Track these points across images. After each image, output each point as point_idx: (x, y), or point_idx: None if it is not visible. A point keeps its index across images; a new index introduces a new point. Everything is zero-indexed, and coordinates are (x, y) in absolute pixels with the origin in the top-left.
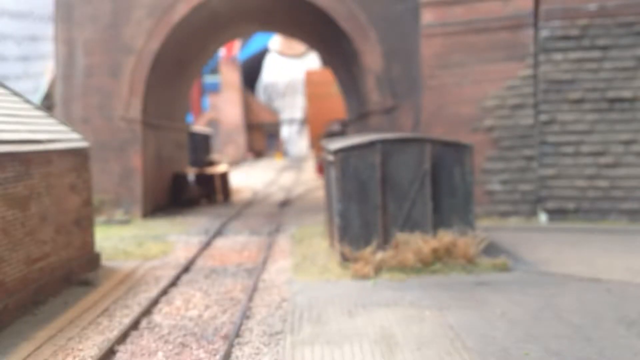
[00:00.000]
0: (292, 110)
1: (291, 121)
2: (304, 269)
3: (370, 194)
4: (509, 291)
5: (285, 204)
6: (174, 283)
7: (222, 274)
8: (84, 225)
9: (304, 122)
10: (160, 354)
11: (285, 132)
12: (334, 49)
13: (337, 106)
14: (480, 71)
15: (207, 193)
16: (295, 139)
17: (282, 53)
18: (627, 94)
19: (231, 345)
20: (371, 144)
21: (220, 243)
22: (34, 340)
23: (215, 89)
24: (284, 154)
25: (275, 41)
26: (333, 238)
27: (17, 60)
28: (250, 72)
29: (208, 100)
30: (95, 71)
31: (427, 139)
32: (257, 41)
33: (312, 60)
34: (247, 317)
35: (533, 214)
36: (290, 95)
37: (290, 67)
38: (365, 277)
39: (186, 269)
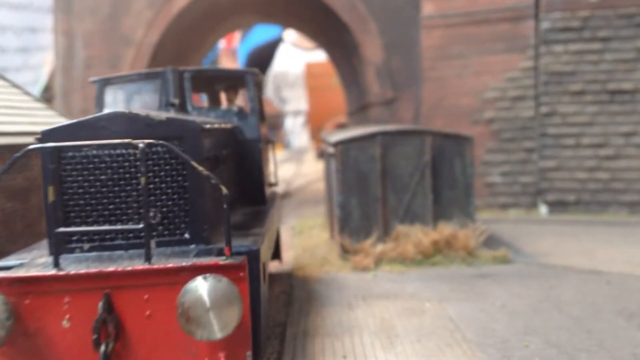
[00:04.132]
0: (298, 101)
1: (297, 113)
2: (304, 261)
3: (370, 186)
4: (509, 283)
5: (285, 196)
6: None
7: None
8: None
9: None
10: None
11: (289, 123)
12: (335, 40)
13: (337, 98)
14: (480, 63)
15: None
16: (299, 131)
17: (296, 45)
18: (627, 85)
19: None
20: (371, 136)
21: None
22: None
23: None
24: (286, 145)
25: (290, 32)
26: (333, 230)
27: (16, 51)
28: (259, 61)
29: None
30: (95, 63)
31: (427, 131)
32: (262, 32)
33: (324, 54)
34: None
35: (533, 206)
36: (298, 87)
37: (302, 59)
38: (365, 269)
39: None
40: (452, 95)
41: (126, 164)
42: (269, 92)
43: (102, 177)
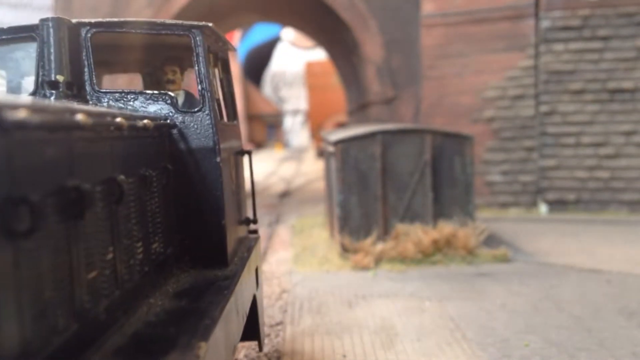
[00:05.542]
0: (297, 100)
1: (296, 112)
2: (304, 260)
3: (370, 185)
4: (509, 282)
5: (285, 194)
6: None
7: None
8: None
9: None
10: None
11: (289, 122)
12: (335, 39)
13: (337, 97)
14: (480, 61)
15: None
16: (298, 130)
17: (294, 44)
18: (627, 84)
19: None
20: (372, 135)
21: None
22: None
23: None
24: (286, 145)
25: (288, 31)
26: (333, 229)
27: None
28: (257, 60)
29: None
30: None
31: (427, 129)
32: (261, 31)
33: (323, 53)
34: None
35: (533, 205)
36: (297, 86)
37: (300, 58)
38: (365, 268)
39: None
40: (452, 94)
41: None
42: (267, 91)
43: None
